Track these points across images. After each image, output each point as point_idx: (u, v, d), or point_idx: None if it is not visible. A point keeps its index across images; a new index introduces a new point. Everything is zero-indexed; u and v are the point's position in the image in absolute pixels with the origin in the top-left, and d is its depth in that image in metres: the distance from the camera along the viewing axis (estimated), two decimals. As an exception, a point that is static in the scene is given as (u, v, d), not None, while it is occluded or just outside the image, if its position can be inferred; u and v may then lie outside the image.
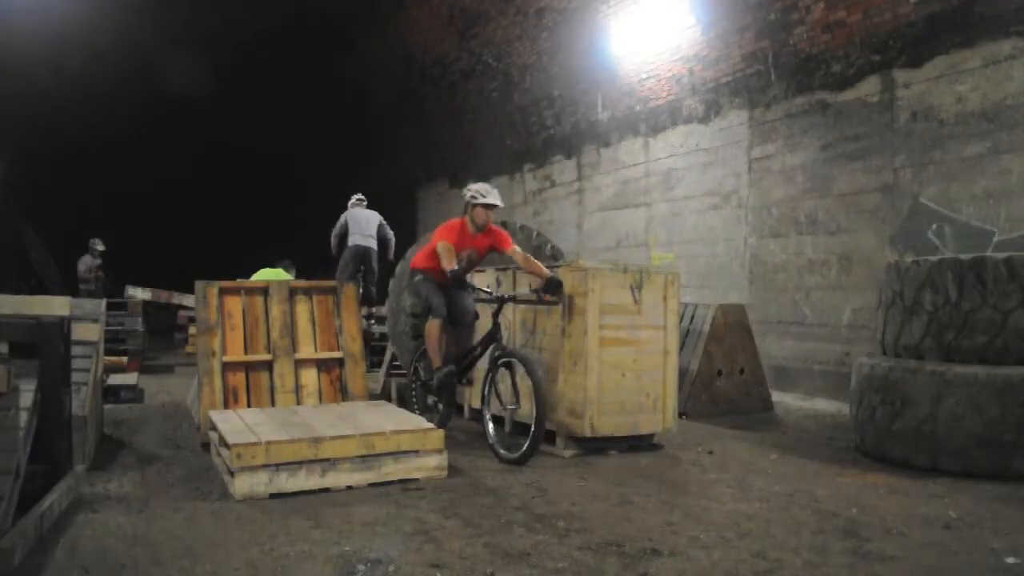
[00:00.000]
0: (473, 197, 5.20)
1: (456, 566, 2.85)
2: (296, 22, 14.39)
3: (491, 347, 5.11)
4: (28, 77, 13.02)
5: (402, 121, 15.83)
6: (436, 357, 5.25)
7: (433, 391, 5.46)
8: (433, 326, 5.21)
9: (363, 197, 10.23)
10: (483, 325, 5.37)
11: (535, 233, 6.91)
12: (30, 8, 11.54)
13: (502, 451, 4.74)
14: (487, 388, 5.01)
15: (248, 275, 8.19)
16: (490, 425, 4.94)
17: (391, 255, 10.03)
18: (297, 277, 7.88)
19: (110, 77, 14.42)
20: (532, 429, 4.56)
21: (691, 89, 9.14)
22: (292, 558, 2.92)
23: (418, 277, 5.39)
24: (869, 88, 7.21)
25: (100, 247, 12.77)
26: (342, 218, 9.94)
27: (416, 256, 5.59)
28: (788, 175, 8.01)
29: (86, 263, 12.66)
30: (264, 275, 7.86)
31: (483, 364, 5.21)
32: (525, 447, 4.56)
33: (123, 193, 19.47)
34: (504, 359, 4.93)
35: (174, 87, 14.37)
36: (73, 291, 11.86)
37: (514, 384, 4.85)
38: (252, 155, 19.72)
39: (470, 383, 5.61)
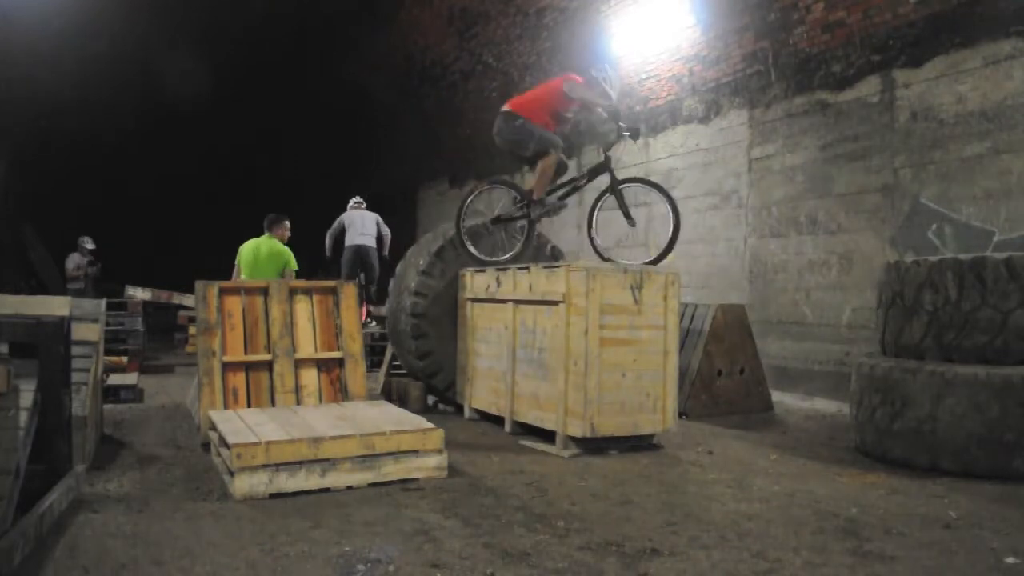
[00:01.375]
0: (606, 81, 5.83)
1: (456, 566, 2.85)
2: (296, 22, 14.39)
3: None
4: (28, 77, 13.02)
5: (402, 121, 15.83)
6: (542, 187, 5.76)
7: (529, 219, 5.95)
8: (552, 159, 5.73)
9: (361, 200, 10.29)
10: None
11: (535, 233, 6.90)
12: (30, 7, 11.53)
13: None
14: (594, 213, 5.90)
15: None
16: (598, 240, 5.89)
17: (386, 251, 10.12)
18: (298, 263, 7.57)
19: (110, 77, 14.42)
20: (671, 233, 5.38)
21: (691, 89, 9.14)
22: (292, 558, 2.92)
23: (521, 121, 5.76)
24: (869, 88, 7.21)
25: (90, 245, 12.56)
26: (339, 220, 10.01)
27: (521, 99, 5.97)
28: (788, 175, 8.01)
29: (75, 261, 12.43)
30: (250, 247, 7.38)
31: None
32: (665, 247, 5.39)
33: (123, 192, 19.49)
34: (630, 183, 5.79)
35: (173, 87, 14.37)
36: (64, 290, 11.79)
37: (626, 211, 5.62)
38: (252, 155, 19.74)
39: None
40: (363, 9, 13.66)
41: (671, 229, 5.37)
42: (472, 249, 6.19)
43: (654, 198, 5.73)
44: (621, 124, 5.86)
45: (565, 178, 6.13)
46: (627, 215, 5.66)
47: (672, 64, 9.25)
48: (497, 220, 6.16)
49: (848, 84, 7.40)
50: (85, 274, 12.42)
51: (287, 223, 7.56)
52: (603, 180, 5.87)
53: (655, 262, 5.48)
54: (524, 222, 6.05)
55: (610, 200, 5.86)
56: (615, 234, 10.75)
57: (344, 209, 10.25)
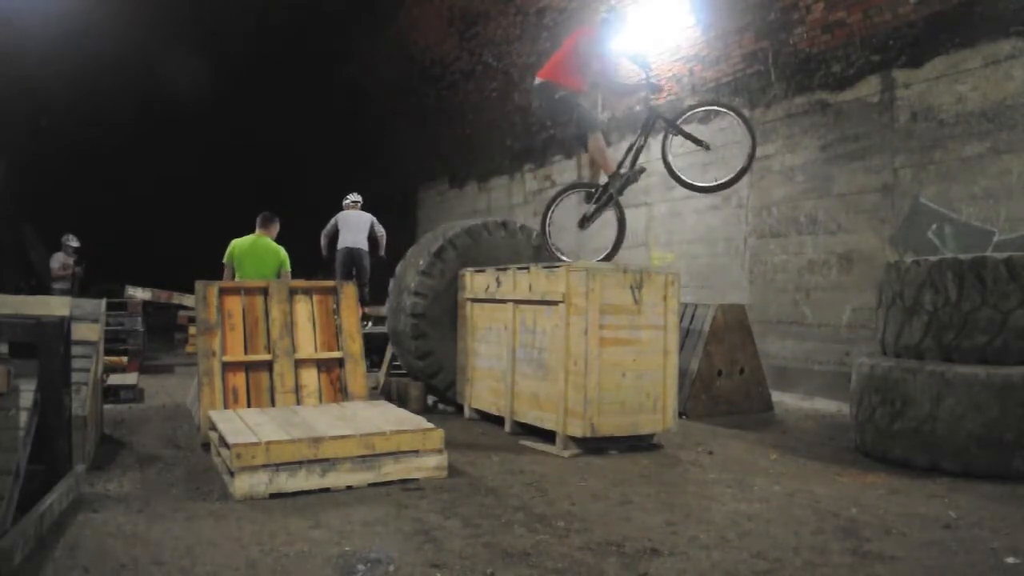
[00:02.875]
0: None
1: (456, 566, 2.85)
2: (296, 22, 14.40)
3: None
4: (28, 76, 13.02)
5: (402, 121, 15.83)
6: (609, 164, 5.64)
7: (615, 198, 5.77)
8: (598, 138, 5.62)
9: (358, 199, 10.26)
10: None
11: (535, 233, 6.91)
12: (30, 7, 11.54)
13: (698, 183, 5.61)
14: (668, 159, 5.55)
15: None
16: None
17: (382, 252, 10.14)
18: (293, 271, 7.51)
19: (110, 78, 14.43)
20: (747, 156, 5.25)
21: (691, 89, 9.14)
22: (292, 558, 2.92)
23: (561, 93, 5.60)
24: (869, 88, 7.20)
25: (74, 243, 12.21)
26: (333, 220, 10.03)
27: (548, 67, 5.77)
28: (788, 175, 8.00)
29: (59, 260, 12.04)
30: (246, 242, 7.25)
31: None
32: (740, 167, 5.28)
33: (123, 192, 19.49)
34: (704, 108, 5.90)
35: (174, 87, 14.38)
36: (48, 290, 11.62)
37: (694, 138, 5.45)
38: (252, 156, 19.74)
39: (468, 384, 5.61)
40: (363, 9, 13.67)
41: (748, 149, 5.26)
42: (564, 257, 5.99)
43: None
44: (649, 69, 5.73)
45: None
46: (698, 142, 5.50)
47: (672, 64, 9.24)
48: (585, 220, 5.95)
49: (848, 84, 7.40)
50: (72, 273, 12.14)
51: (278, 223, 7.54)
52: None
53: (730, 184, 5.52)
54: (609, 207, 5.83)
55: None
56: (615, 234, 10.78)
57: (340, 208, 10.25)
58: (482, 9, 11.82)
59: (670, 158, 5.56)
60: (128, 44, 13.73)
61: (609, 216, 5.86)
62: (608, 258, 5.88)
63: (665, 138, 5.59)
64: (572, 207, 6.10)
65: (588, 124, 5.66)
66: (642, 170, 5.78)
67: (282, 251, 7.26)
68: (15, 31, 11.71)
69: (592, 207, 5.86)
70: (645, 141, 5.71)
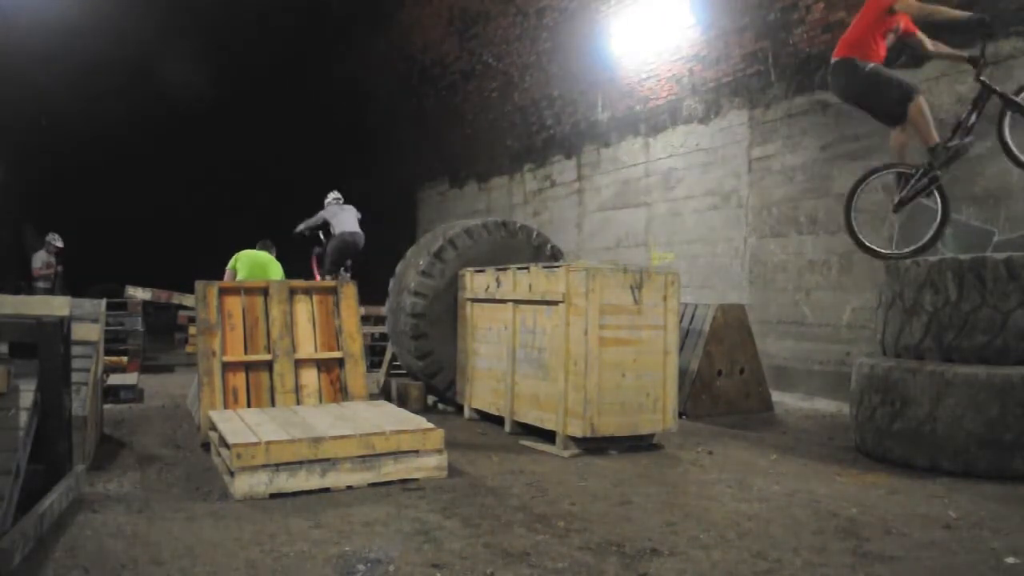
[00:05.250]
0: None
1: (456, 566, 2.85)
2: (296, 22, 14.41)
3: None
4: (28, 76, 13.03)
5: (402, 121, 15.83)
6: (932, 134, 5.21)
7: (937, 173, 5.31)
8: (922, 102, 5.19)
9: (340, 196, 10.81)
10: None
11: (535, 233, 6.91)
12: (30, 8, 11.54)
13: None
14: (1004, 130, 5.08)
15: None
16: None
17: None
18: (293, 274, 7.83)
19: (110, 77, 14.43)
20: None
21: (691, 89, 9.14)
22: (292, 558, 2.92)
23: (870, 66, 5.22)
24: (869, 88, 7.19)
25: (58, 243, 12.16)
26: (320, 216, 10.36)
27: (849, 38, 5.41)
28: (788, 175, 8.00)
29: (42, 259, 12.07)
30: (251, 252, 7.88)
31: None
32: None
33: (123, 192, 19.49)
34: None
35: (174, 87, 14.39)
36: (30, 289, 11.63)
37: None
38: (251, 155, 19.74)
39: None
40: (363, 9, 13.68)
41: None
42: (872, 245, 5.73)
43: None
44: (984, 17, 5.17)
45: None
46: None
47: (672, 64, 9.25)
48: (900, 204, 5.57)
49: (848, 84, 7.38)
50: (55, 273, 12.11)
51: (275, 249, 8.56)
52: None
53: None
54: (930, 189, 5.39)
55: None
56: (615, 234, 10.79)
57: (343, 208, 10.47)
58: (482, 9, 11.82)
59: (1007, 136, 5.08)
60: (129, 45, 13.74)
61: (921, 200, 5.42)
62: (924, 248, 5.41)
63: (1002, 116, 5.15)
64: (878, 191, 5.67)
65: (909, 86, 5.19)
66: (971, 141, 5.31)
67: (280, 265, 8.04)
68: (16, 31, 11.72)
69: (910, 188, 5.40)
70: (978, 117, 5.22)
